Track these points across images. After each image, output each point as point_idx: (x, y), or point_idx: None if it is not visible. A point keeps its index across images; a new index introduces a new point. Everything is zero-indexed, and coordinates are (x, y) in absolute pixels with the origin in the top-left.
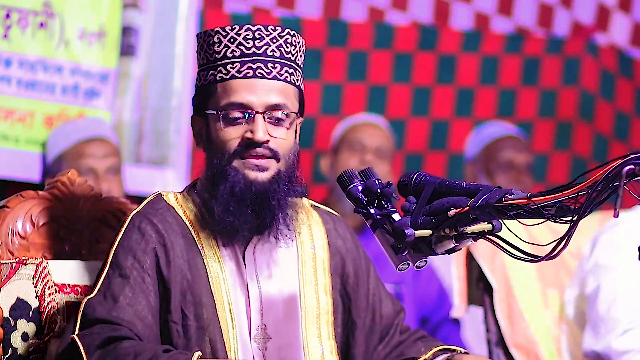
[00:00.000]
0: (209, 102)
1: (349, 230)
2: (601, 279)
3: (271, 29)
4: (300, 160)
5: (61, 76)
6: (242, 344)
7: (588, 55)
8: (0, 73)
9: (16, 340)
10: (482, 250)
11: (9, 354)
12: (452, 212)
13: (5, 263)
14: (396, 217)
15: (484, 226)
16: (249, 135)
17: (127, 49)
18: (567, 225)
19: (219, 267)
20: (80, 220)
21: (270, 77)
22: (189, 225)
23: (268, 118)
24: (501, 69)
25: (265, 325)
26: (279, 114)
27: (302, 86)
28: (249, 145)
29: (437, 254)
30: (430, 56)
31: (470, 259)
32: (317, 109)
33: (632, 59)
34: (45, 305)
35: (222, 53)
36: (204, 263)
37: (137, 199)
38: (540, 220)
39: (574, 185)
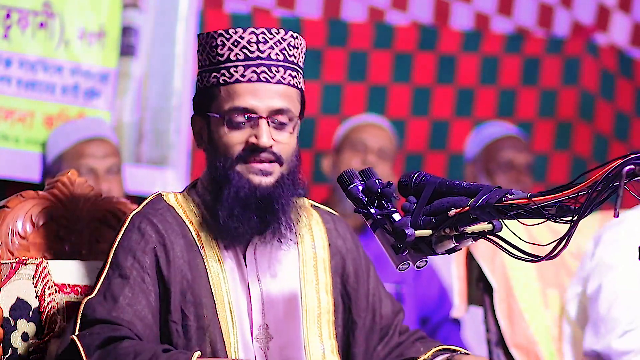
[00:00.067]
0: (211, 105)
1: (349, 230)
2: (603, 278)
3: (274, 32)
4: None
5: (61, 76)
6: (244, 344)
7: (588, 55)
8: (0, 73)
9: (16, 340)
10: (482, 250)
11: (9, 354)
12: (452, 212)
13: (5, 263)
14: (396, 217)
15: (484, 226)
16: (253, 140)
17: (127, 49)
18: (567, 225)
19: (219, 267)
20: (80, 220)
21: (274, 81)
22: (189, 226)
23: (272, 122)
24: (501, 69)
25: (267, 325)
26: (282, 118)
27: (303, 87)
28: (253, 150)
29: (438, 254)
30: (430, 56)
31: (470, 259)
32: (317, 109)
33: (632, 59)
34: (45, 305)
35: (225, 56)
36: (204, 263)
37: (137, 199)
38: (540, 220)
39: (574, 185)
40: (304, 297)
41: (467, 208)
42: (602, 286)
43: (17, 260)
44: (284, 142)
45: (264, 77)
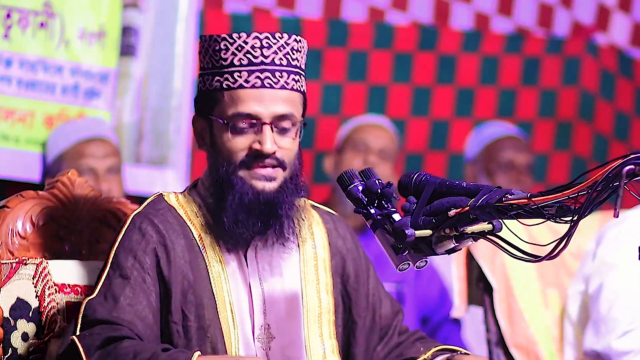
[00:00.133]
0: (214, 109)
1: (349, 231)
2: (604, 277)
3: (278, 37)
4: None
5: (61, 76)
6: (245, 344)
7: (588, 55)
8: (0, 73)
9: (16, 340)
10: (482, 250)
11: (9, 354)
12: (452, 212)
13: (5, 263)
14: (396, 217)
15: (484, 226)
16: (257, 146)
17: (127, 49)
18: (567, 225)
19: (220, 267)
20: (80, 220)
21: (277, 86)
22: (190, 226)
23: (275, 127)
24: (501, 69)
25: (268, 325)
26: (285, 123)
27: (305, 90)
28: (257, 157)
29: (438, 254)
30: (430, 56)
31: (470, 259)
32: (317, 109)
33: (632, 59)
34: (45, 305)
35: (228, 60)
36: (206, 263)
37: (137, 199)
38: (541, 220)
39: (574, 185)
40: (304, 297)
41: (467, 208)
42: (603, 286)
43: (17, 260)
44: (287, 147)
45: (268, 83)
